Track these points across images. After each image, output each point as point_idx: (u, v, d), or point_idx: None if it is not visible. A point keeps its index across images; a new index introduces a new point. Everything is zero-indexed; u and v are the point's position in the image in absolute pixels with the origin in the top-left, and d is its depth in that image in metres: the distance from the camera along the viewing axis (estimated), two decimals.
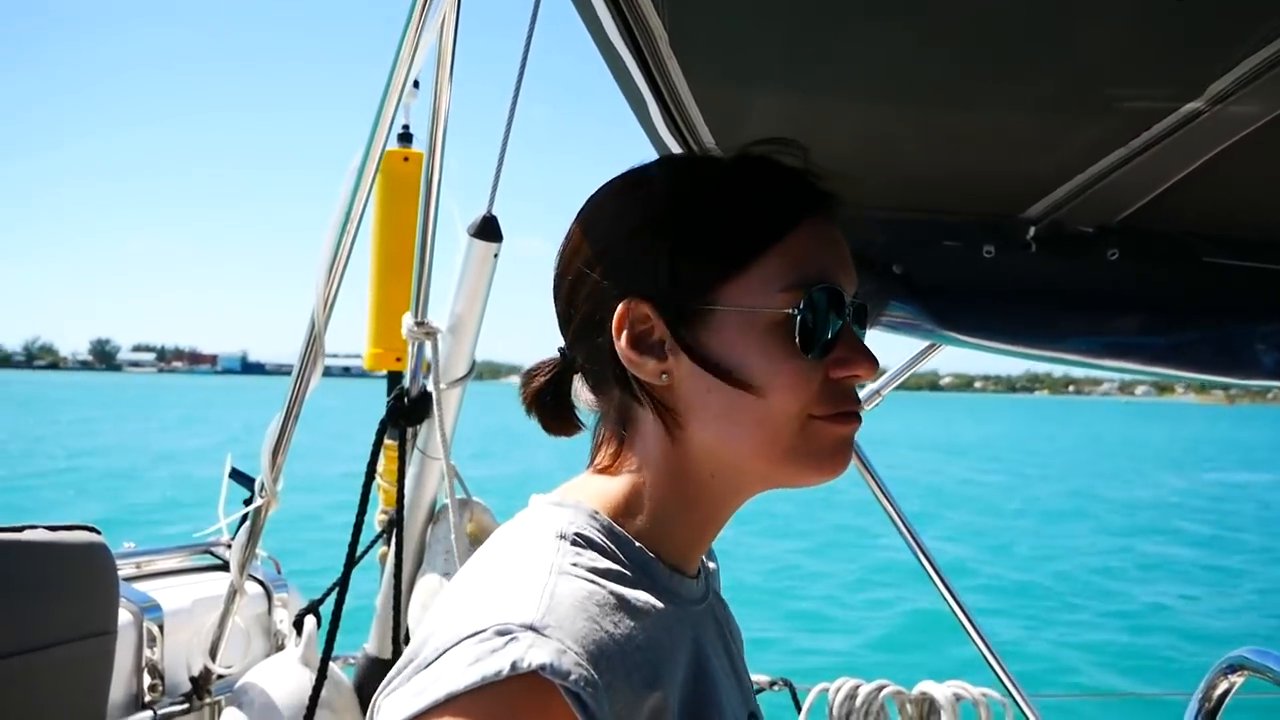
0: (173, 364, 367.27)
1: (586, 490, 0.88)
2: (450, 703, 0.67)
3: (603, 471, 0.89)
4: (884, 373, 2.20)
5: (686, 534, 0.89)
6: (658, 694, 0.76)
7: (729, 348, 0.83)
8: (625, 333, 0.84)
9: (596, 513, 0.85)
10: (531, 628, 0.70)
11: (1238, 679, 1.54)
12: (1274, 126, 1.17)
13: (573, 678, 0.68)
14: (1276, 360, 1.63)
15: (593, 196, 0.92)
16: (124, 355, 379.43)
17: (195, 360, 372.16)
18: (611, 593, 0.77)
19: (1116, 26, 1.03)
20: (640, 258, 0.85)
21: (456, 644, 0.70)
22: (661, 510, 0.87)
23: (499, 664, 0.67)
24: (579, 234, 0.90)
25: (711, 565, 1.03)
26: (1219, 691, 1.55)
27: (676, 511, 0.87)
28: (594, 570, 0.78)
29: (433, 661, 0.70)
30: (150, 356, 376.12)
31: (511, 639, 0.69)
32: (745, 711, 0.93)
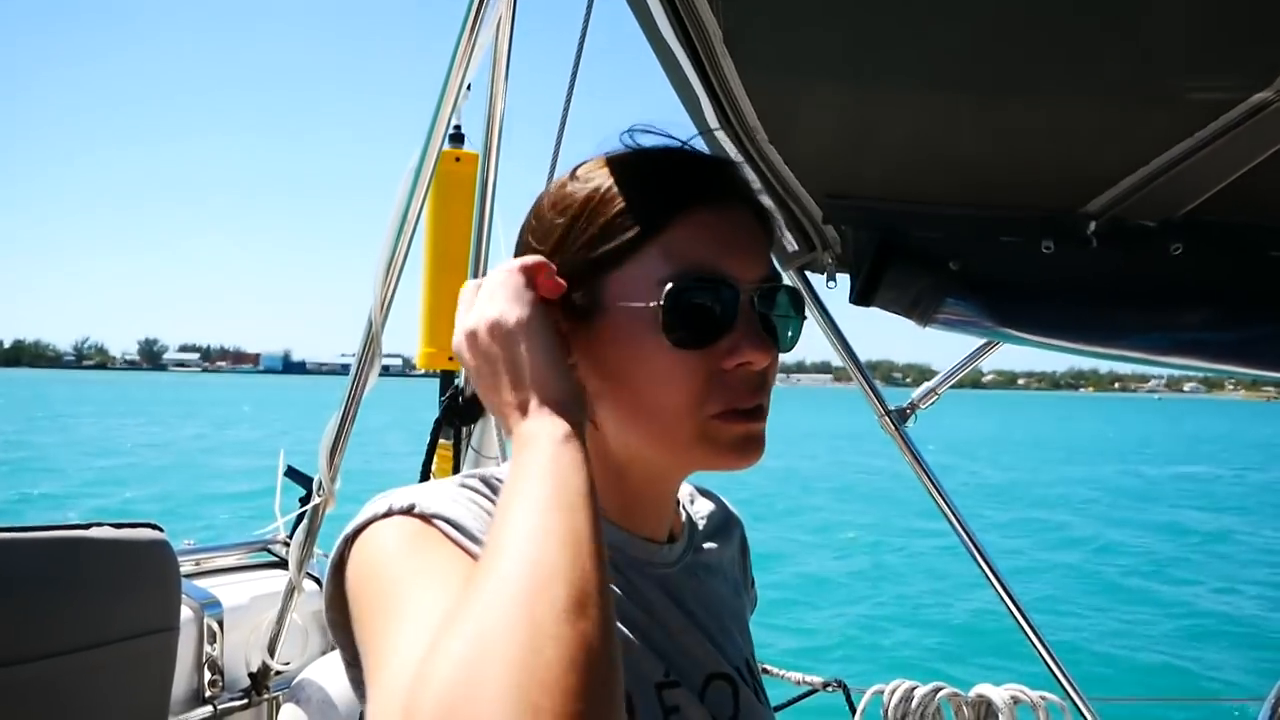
0: (217, 364, 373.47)
1: None
2: (345, 544, 0.84)
3: None
4: (931, 371, 2.18)
5: (621, 501, 0.95)
6: None
7: (616, 345, 0.87)
8: None
9: None
10: (404, 501, 0.84)
11: None
12: None
13: (437, 509, 0.82)
14: None
15: (530, 207, 0.99)
16: (170, 355, 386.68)
17: (239, 360, 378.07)
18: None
19: (1181, 14, 1.01)
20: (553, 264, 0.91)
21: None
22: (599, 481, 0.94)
23: (376, 508, 0.84)
24: (517, 240, 0.99)
25: (712, 545, 1.10)
26: None
27: (607, 485, 0.91)
28: (492, 499, 0.89)
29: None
30: (195, 356, 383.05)
31: (388, 498, 0.85)
32: (701, 671, 0.96)
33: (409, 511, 0.82)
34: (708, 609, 1.03)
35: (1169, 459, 46.17)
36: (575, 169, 0.94)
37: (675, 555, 1.01)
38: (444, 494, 0.86)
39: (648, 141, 0.96)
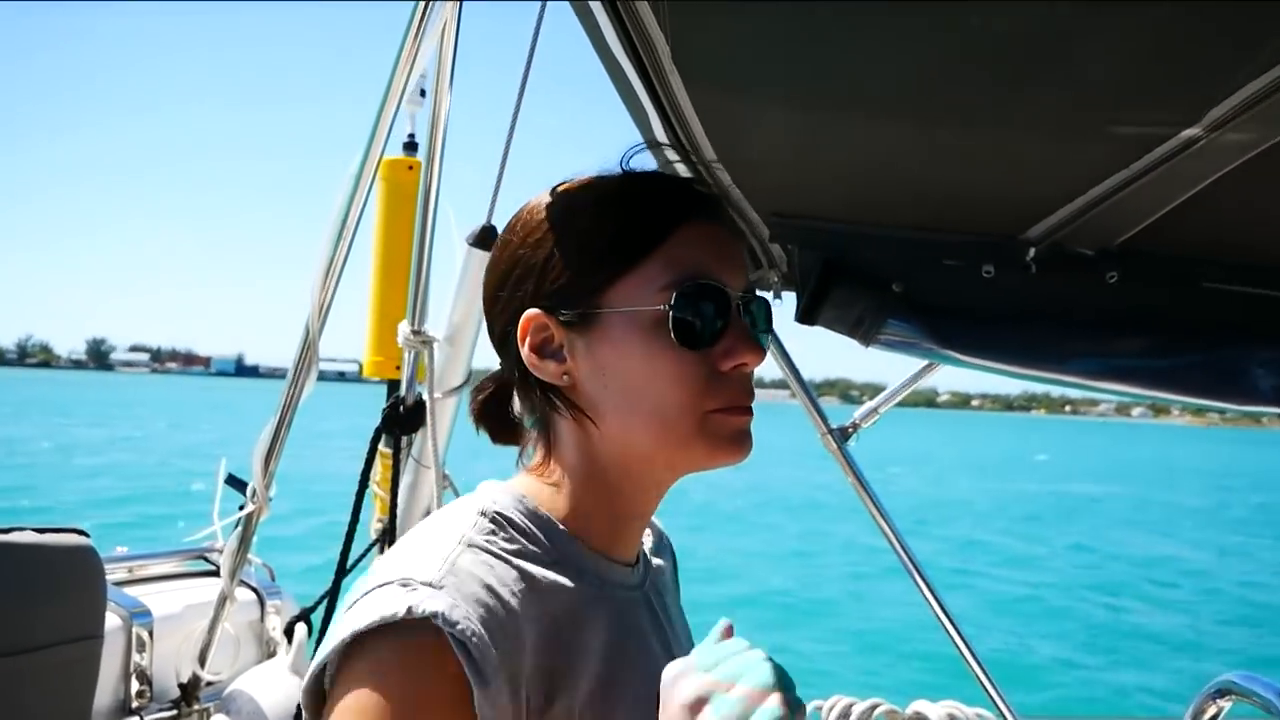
0: (167, 365, 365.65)
1: (525, 477, 0.99)
2: (354, 643, 0.79)
3: (533, 470, 0.99)
4: (882, 390, 2.20)
5: (610, 524, 0.97)
6: (558, 663, 0.86)
7: (618, 348, 0.91)
8: (528, 340, 0.94)
9: (524, 496, 0.95)
10: (429, 584, 0.80)
11: (1225, 703, 1.54)
12: (1272, 153, 1.17)
13: (460, 627, 0.78)
14: (1273, 386, 1.63)
15: (509, 220, 1.01)
16: (118, 355, 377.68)
17: (189, 361, 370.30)
18: (516, 568, 0.87)
19: (1117, 50, 1.03)
20: (539, 271, 0.94)
21: (367, 593, 0.82)
22: (584, 503, 0.96)
23: (396, 606, 0.78)
24: (496, 253, 1.00)
25: (659, 562, 1.13)
26: (1207, 716, 1.54)
27: (598, 504, 0.96)
28: (504, 548, 0.89)
29: (349, 611, 0.81)
30: (144, 357, 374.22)
31: (410, 589, 0.80)
32: None
33: (429, 622, 0.77)
34: (673, 628, 1.08)
35: (1093, 477, 47.27)
36: (556, 189, 0.98)
37: (640, 577, 1.04)
38: (471, 582, 0.82)
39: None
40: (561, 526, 0.94)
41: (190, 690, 2.62)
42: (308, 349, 1.90)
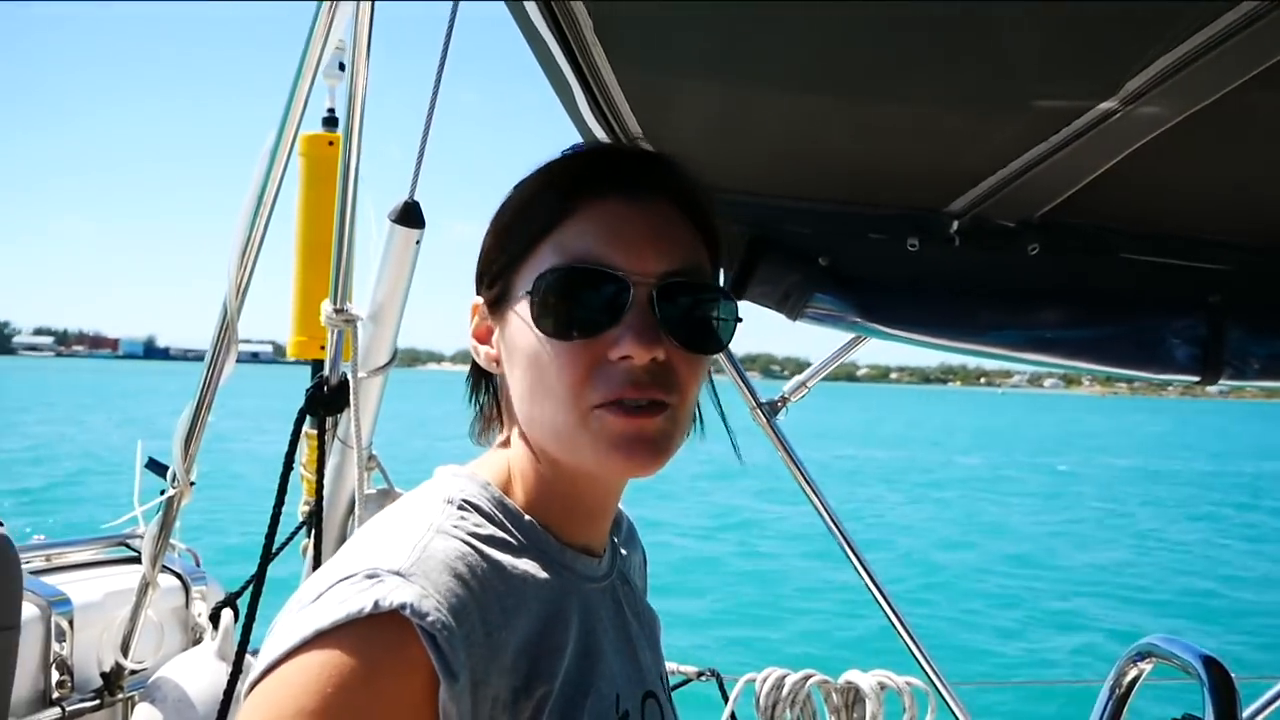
0: (73, 348, 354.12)
1: (484, 464, 0.95)
2: (317, 639, 0.72)
3: (493, 454, 0.97)
4: (808, 365, 2.21)
5: (569, 514, 0.93)
6: (527, 655, 0.81)
7: (516, 333, 0.88)
8: (473, 325, 0.95)
9: (489, 484, 0.91)
10: (398, 573, 0.75)
11: (1146, 666, 1.58)
12: (1184, 127, 1.19)
13: (430, 619, 0.73)
14: (1189, 355, 1.67)
15: None
16: (21, 339, 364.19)
17: (97, 344, 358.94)
18: (485, 556, 0.83)
19: (1033, 26, 1.04)
20: (480, 257, 0.95)
21: (330, 587, 0.75)
22: (539, 491, 0.92)
23: (362, 602, 0.73)
24: None
25: (624, 552, 1.09)
26: (1129, 678, 1.58)
27: (551, 494, 0.92)
28: (474, 535, 0.84)
29: (309, 605, 0.75)
30: (49, 340, 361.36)
31: (378, 581, 0.74)
32: (640, 690, 0.97)
33: (396, 615, 0.73)
34: (639, 620, 1.04)
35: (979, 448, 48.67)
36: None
37: (608, 567, 0.99)
38: (443, 570, 0.78)
39: None
40: (527, 516, 0.90)
41: (113, 679, 2.55)
42: (226, 329, 1.85)
